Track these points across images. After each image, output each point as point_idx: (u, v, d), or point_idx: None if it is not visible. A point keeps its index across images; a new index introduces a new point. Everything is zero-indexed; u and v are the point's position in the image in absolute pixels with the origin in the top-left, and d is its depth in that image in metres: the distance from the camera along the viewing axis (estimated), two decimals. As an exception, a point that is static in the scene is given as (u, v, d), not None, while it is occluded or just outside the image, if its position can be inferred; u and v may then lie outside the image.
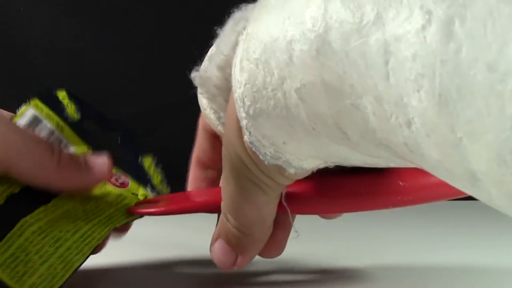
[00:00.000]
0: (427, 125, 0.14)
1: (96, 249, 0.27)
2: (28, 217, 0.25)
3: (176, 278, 0.31)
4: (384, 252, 0.40)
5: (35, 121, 0.30)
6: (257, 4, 0.21)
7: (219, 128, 0.27)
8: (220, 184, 0.24)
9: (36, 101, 0.31)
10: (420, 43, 0.13)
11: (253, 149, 0.21)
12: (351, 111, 0.17)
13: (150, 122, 0.68)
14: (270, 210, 0.24)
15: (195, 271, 0.33)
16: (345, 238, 0.45)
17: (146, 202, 0.29)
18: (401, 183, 0.25)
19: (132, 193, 0.30)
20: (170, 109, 0.68)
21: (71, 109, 0.32)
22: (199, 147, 0.31)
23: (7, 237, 0.24)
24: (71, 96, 0.32)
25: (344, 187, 0.25)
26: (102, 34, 0.69)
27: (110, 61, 0.69)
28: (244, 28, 0.21)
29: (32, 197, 0.26)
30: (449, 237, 0.47)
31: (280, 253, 0.27)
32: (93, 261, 0.28)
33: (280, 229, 0.26)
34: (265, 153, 0.21)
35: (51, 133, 0.30)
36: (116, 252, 0.32)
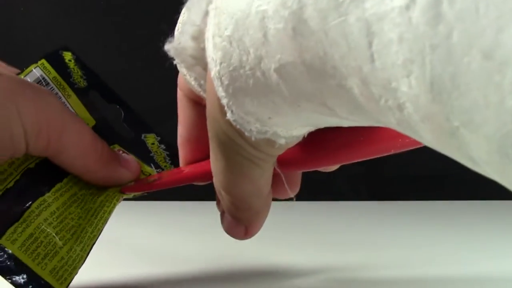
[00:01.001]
0: (420, 112, 0.13)
1: None
2: (46, 196, 0.25)
3: (170, 280, 0.31)
4: (384, 257, 0.40)
5: (42, 82, 0.30)
6: None
7: (202, 94, 0.25)
8: (210, 161, 0.23)
9: (43, 62, 0.31)
10: (405, 24, 0.12)
11: (238, 126, 0.20)
12: (337, 91, 0.16)
13: (150, 121, 0.67)
14: (265, 181, 0.23)
15: (191, 273, 0.33)
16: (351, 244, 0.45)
17: (139, 180, 0.29)
18: None
19: None
20: (170, 109, 0.68)
21: (77, 74, 0.31)
22: (183, 122, 0.29)
23: (25, 216, 0.24)
24: (77, 59, 0.32)
25: (342, 136, 0.24)
26: (102, 34, 0.69)
27: (110, 61, 0.69)
28: None
29: (48, 173, 0.26)
30: (450, 238, 0.47)
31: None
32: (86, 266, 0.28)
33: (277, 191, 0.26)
34: (250, 129, 0.20)
35: (58, 98, 0.30)
36: (109, 257, 0.32)
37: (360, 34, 0.13)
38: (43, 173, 0.26)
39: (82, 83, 0.30)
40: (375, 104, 0.14)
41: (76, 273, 0.25)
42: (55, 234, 0.25)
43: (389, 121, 0.15)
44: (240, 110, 0.20)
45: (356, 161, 0.25)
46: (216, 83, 0.20)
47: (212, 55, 0.19)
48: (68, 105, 0.30)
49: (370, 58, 0.13)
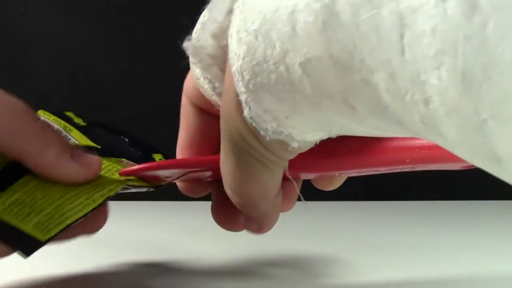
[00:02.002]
0: (447, 105, 0.13)
1: (100, 219, 0.27)
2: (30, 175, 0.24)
3: (166, 280, 0.31)
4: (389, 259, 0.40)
5: None
6: None
7: (214, 98, 0.25)
8: (220, 161, 0.23)
9: (42, 111, 0.31)
10: (440, 15, 0.12)
11: (254, 124, 0.20)
12: (361, 86, 0.15)
13: (150, 122, 0.68)
14: (274, 184, 0.23)
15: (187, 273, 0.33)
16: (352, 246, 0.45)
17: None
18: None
19: None
20: (171, 109, 0.68)
21: (77, 119, 0.32)
22: (187, 129, 0.28)
23: (12, 187, 0.24)
24: (77, 114, 0.32)
25: (353, 143, 0.23)
26: (102, 34, 0.69)
27: (110, 61, 0.69)
28: None
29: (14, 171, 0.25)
30: (451, 238, 0.47)
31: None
32: (82, 266, 0.28)
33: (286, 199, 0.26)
34: (266, 128, 0.20)
35: (60, 132, 0.30)
36: (107, 254, 0.32)
37: (392, 27, 0.13)
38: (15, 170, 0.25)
39: (83, 123, 0.30)
40: (400, 100, 0.14)
41: (64, 227, 0.24)
42: (42, 197, 0.24)
43: (413, 119, 0.15)
44: (258, 107, 0.19)
45: (366, 170, 0.24)
46: (237, 78, 0.19)
47: (236, 49, 0.19)
48: (70, 137, 0.30)
49: (401, 50, 0.13)
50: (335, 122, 0.19)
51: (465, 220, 0.57)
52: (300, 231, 0.45)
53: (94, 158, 0.26)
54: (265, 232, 0.26)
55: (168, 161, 0.27)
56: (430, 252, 0.40)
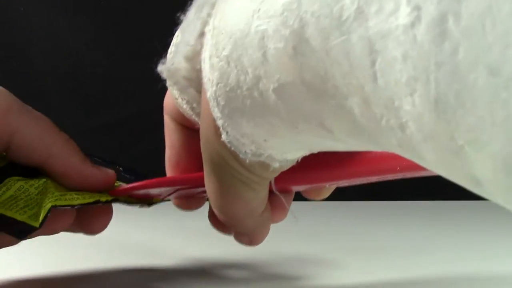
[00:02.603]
0: (423, 131, 0.13)
1: (99, 224, 0.27)
2: (13, 178, 0.25)
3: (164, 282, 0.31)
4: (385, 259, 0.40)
5: None
6: None
7: (193, 118, 0.25)
8: (204, 180, 0.23)
9: None
10: (410, 42, 0.12)
11: (232, 148, 0.20)
12: (336, 111, 0.15)
13: (150, 122, 0.68)
14: (258, 202, 0.23)
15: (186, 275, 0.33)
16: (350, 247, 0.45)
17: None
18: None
19: None
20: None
21: None
22: (171, 146, 0.28)
23: (5, 182, 0.24)
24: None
25: (338, 154, 0.23)
26: (102, 34, 0.69)
27: (110, 61, 0.69)
28: (208, 15, 0.20)
29: (16, 170, 0.26)
30: (450, 238, 0.47)
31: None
32: (82, 266, 0.28)
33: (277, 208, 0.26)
34: (245, 151, 0.20)
35: None
36: (104, 257, 0.32)
37: (363, 53, 0.13)
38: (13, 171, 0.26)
39: None
40: (376, 124, 0.14)
41: (49, 208, 0.24)
42: (37, 193, 0.25)
43: (390, 143, 0.15)
44: (236, 132, 0.19)
45: (356, 180, 0.24)
46: (212, 103, 0.19)
47: (209, 75, 0.19)
48: None
49: (373, 76, 0.13)
50: (314, 142, 0.19)
51: (465, 220, 0.57)
52: (299, 231, 0.45)
53: (109, 169, 0.27)
54: (257, 245, 0.26)
55: (155, 180, 0.27)
56: (430, 252, 0.40)
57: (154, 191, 0.27)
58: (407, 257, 0.38)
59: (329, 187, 0.27)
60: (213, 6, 0.20)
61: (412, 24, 0.12)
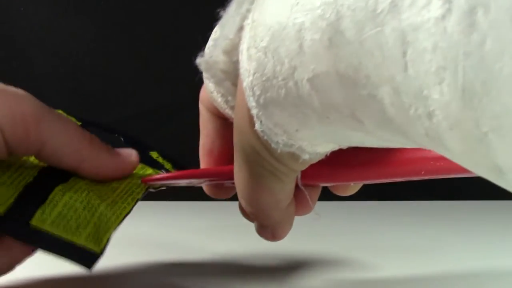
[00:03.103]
0: (449, 119, 0.13)
1: None
2: (65, 184, 0.26)
3: (171, 280, 0.31)
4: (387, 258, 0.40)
5: None
6: None
7: (227, 111, 0.26)
8: (234, 171, 0.24)
9: None
10: (440, 33, 0.13)
11: (265, 137, 0.21)
12: (367, 101, 0.16)
13: (150, 122, 0.68)
14: (285, 194, 0.24)
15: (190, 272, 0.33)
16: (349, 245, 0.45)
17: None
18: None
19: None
20: (171, 109, 0.68)
21: (72, 118, 0.32)
22: (206, 134, 0.29)
23: (50, 198, 0.25)
24: (69, 113, 0.32)
25: (367, 153, 0.24)
26: (102, 34, 0.69)
27: (110, 61, 0.69)
28: (248, 10, 0.21)
29: (49, 179, 0.26)
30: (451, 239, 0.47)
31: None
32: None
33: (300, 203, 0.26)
34: (277, 141, 0.21)
35: None
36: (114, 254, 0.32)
37: (395, 44, 0.14)
38: (42, 184, 0.26)
39: (78, 122, 0.31)
40: (405, 113, 0.15)
41: (111, 234, 0.26)
42: (83, 208, 0.25)
43: (417, 132, 0.15)
44: (269, 121, 0.20)
45: (380, 180, 0.25)
46: (248, 93, 0.20)
47: (246, 66, 0.20)
48: None
49: (404, 66, 0.14)
50: (343, 134, 0.19)
51: (465, 220, 0.57)
52: (299, 232, 0.45)
53: (131, 150, 0.28)
54: (279, 240, 0.26)
55: (188, 171, 0.28)
56: (430, 252, 0.40)
57: (184, 181, 0.28)
58: (407, 258, 0.38)
59: (355, 185, 0.27)
60: (252, 2, 0.21)
61: (443, 16, 0.13)
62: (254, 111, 0.20)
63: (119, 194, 0.27)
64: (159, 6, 0.69)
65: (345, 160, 0.24)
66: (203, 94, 0.28)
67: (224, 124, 0.28)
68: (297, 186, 0.25)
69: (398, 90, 0.14)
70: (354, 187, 0.28)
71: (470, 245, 0.43)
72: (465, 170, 0.23)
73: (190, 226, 0.48)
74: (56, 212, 0.25)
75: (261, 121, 0.20)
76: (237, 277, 0.32)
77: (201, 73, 0.25)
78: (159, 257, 0.36)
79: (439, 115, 0.13)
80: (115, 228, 0.26)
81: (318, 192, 0.27)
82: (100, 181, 0.27)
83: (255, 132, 0.21)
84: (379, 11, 0.14)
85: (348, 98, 0.17)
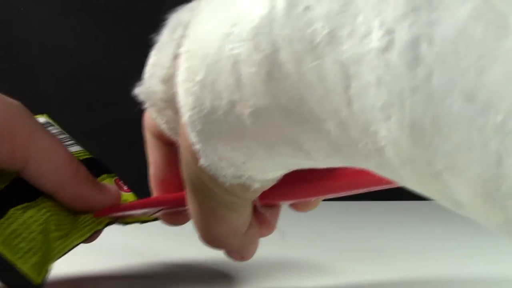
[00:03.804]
0: (401, 156, 0.13)
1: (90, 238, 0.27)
2: (14, 208, 0.24)
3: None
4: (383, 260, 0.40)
5: (47, 125, 0.30)
6: (192, 8, 0.20)
7: (174, 137, 0.24)
8: (187, 201, 0.23)
9: (46, 115, 0.31)
10: (383, 66, 0.12)
11: (212, 172, 0.20)
12: (313, 135, 0.15)
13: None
14: (242, 222, 0.23)
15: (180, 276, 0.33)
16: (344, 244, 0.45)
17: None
18: None
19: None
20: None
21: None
22: (155, 163, 0.27)
23: (9, 213, 0.24)
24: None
25: (318, 170, 0.22)
26: (102, 34, 0.69)
27: (110, 61, 0.69)
28: (182, 37, 0.20)
29: (18, 193, 0.25)
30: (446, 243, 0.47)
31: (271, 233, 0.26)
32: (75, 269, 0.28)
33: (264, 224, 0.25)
34: (224, 174, 0.19)
35: (62, 132, 0.30)
36: (94, 261, 0.32)
37: (337, 77, 0.13)
38: (13, 193, 0.25)
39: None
40: (354, 147, 0.14)
41: (50, 265, 0.25)
42: (39, 231, 0.24)
43: (369, 165, 0.14)
44: (214, 156, 0.19)
45: (341, 193, 0.23)
46: (188, 128, 0.19)
47: (184, 100, 0.19)
48: (72, 139, 0.30)
49: (348, 101, 0.13)
50: (293, 162, 0.19)
51: (465, 220, 0.57)
52: (299, 232, 0.45)
53: (113, 188, 0.27)
54: (248, 259, 0.25)
55: (141, 201, 0.27)
56: (430, 252, 0.40)
57: (138, 211, 0.27)
58: (406, 257, 0.38)
59: (316, 201, 0.26)
60: (186, 27, 0.20)
61: (385, 48, 0.12)
62: (197, 147, 0.19)
63: (79, 223, 0.26)
64: (159, 6, 0.69)
65: (300, 177, 0.23)
66: (147, 120, 0.26)
67: (172, 151, 0.26)
68: (256, 207, 0.24)
69: (344, 125, 0.14)
70: (314, 202, 0.26)
71: (470, 245, 0.43)
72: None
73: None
74: (10, 230, 0.24)
75: (205, 156, 0.19)
76: (234, 279, 0.32)
77: (141, 102, 0.24)
78: (154, 263, 0.36)
79: (390, 151, 0.13)
80: (54, 260, 0.25)
81: (279, 211, 0.26)
82: (72, 210, 0.26)
83: (201, 167, 0.20)
84: (317, 42, 0.13)
85: (292, 132, 0.16)
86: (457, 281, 0.32)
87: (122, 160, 0.66)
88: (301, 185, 0.23)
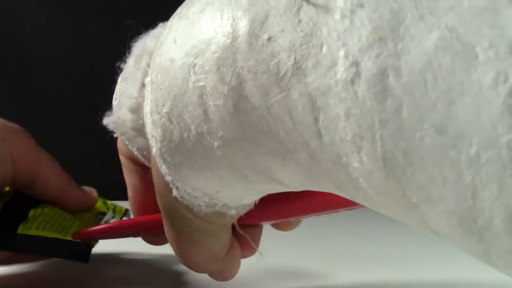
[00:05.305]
0: (375, 187, 0.12)
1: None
2: (33, 209, 0.27)
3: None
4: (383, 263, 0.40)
5: None
6: (156, 34, 0.20)
7: (147, 163, 0.24)
8: (164, 227, 0.22)
9: None
10: (351, 98, 0.12)
11: (185, 202, 0.19)
12: (285, 166, 0.15)
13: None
14: (220, 247, 0.23)
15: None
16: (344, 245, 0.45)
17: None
18: None
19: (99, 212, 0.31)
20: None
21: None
22: (133, 187, 0.27)
23: (30, 214, 0.26)
24: None
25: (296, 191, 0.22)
26: (103, 34, 0.69)
27: (110, 61, 0.69)
28: (148, 65, 0.20)
29: (25, 201, 0.27)
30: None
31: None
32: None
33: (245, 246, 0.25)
34: (198, 204, 0.19)
35: None
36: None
37: (305, 109, 0.13)
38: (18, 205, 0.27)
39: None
40: (328, 177, 0.14)
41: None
42: (62, 219, 0.27)
43: (345, 193, 0.14)
44: (186, 186, 0.19)
45: (321, 213, 0.23)
46: (159, 160, 0.19)
47: (152, 132, 0.18)
48: None
49: (317, 133, 0.13)
50: (268, 188, 0.18)
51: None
52: (299, 232, 0.45)
53: (91, 188, 0.30)
54: (230, 279, 0.25)
55: (119, 223, 0.29)
56: (430, 251, 0.40)
57: (120, 234, 0.28)
58: (407, 257, 0.38)
59: (297, 220, 0.26)
60: (151, 55, 0.19)
61: (352, 80, 0.12)
62: (168, 178, 0.19)
63: (82, 223, 0.29)
64: (159, 6, 0.69)
65: (278, 197, 0.22)
66: (120, 145, 0.26)
67: (148, 172, 0.25)
68: (236, 229, 0.23)
69: (315, 157, 0.13)
70: (296, 222, 0.26)
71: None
72: None
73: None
74: (39, 221, 0.26)
75: (177, 187, 0.19)
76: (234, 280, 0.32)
77: (111, 132, 0.24)
78: (154, 257, 0.36)
79: (363, 183, 0.13)
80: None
81: (260, 231, 0.25)
82: (68, 211, 0.29)
83: (174, 197, 0.19)
84: (282, 74, 0.13)
85: (264, 163, 0.16)
86: (456, 282, 0.32)
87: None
88: (278, 206, 0.23)
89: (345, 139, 0.12)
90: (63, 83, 0.69)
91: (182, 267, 0.31)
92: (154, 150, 0.19)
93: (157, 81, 0.18)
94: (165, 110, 0.17)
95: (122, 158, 0.27)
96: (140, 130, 0.22)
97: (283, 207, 0.23)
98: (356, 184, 0.13)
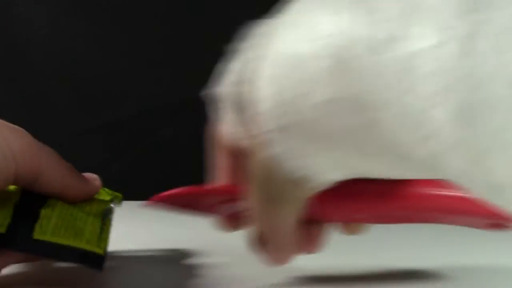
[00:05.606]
0: (449, 139, 0.14)
1: None
2: (43, 208, 0.27)
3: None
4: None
5: None
6: (272, 20, 0.23)
7: (244, 141, 0.27)
8: (249, 191, 0.25)
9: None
10: (438, 58, 0.14)
11: (279, 161, 0.22)
12: (376, 125, 0.17)
13: (150, 122, 0.68)
14: (291, 219, 0.25)
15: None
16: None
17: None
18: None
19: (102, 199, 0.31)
20: (170, 109, 0.68)
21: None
22: (224, 169, 0.30)
23: (42, 214, 0.27)
24: None
25: (375, 186, 0.25)
26: (102, 34, 0.69)
27: (110, 61, 0.69)
28: (262, 43, 0.22)
29: (34, 199, 0.28)
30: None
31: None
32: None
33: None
34: (291, 165, 0.22)
35: None
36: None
37: (398, 69, 0.15)
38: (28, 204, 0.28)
39: None
40: (409, 135, 0.16)
41: (108, 239, 0.29)
42: (74, 219, 0.28)
43: (419, 154, 0.16)
44: (285, 145, 0.21)
45: (388, 217, 0.26)
46: (265, 117, 0.21)
47: (264, 91, 0.21)
48: None
49: (406, 90, 0.15)
50: (357, 161, 0.20)
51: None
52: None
53: (93, 174, 0.31)
54: (281, 264, 0.27)
55: (204, 187, 0.29)
56: (430, 251, 0.40)
57: (202, 200, 0.29)
58: (406, 257, 0.38)
59: (366, 225, 0.29)
60: (266, 35, 0.22)
61: (441, 43, 0.14)
62: (270, 135, 0.21)
63: (91, 210, 0.29)
64: (159, 6, 0.69)
65: (353, 194, 0.25)
66: (215, 135, 0.29)
67: (239, 161, 0.28)
68: (306, 224, 0.26)
69: (402, 112, 0.16)
70: (364, 226, 0.29)
71: (470, 244, 0.43)
72: (475, 212, 0.25)
73: (187, 226, 0.48)
74: (52, 224, 0.27)
75: (276, 146, 0.21)
76: (233, 279, 0.32)
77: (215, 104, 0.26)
78: (155, 255, 0.36)
79: (440, 135, 0.14)
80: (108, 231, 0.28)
81: (324, 231, 0.28)
82: (73, 203, 0.29)
83: (269, 157, 0.22)
84: (384, 39, 0.16)
85: (358, 121, 0.18)
86: (455, 279, 0.32)
87: (122, 160, 0.66)
88: (356, 202, 0.25)
89: (429, 94, 0.14)
90: (63, 83, 0.69)
91: (182, 269, 0.31)
92: (262, 109, 0.21)
93: (274, 48, 0.21)
94: (280, 71, 0.20)
95: (217, 147, 0.29)
96: (245, 103, 0.24)
97: (356, 205, 0.25)
98: (433, 139, 0.15)
